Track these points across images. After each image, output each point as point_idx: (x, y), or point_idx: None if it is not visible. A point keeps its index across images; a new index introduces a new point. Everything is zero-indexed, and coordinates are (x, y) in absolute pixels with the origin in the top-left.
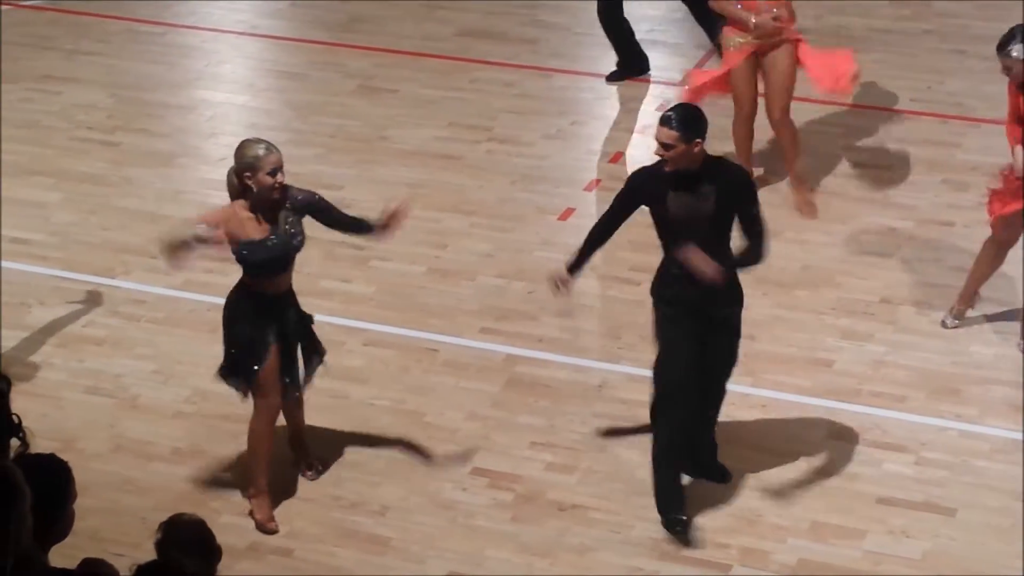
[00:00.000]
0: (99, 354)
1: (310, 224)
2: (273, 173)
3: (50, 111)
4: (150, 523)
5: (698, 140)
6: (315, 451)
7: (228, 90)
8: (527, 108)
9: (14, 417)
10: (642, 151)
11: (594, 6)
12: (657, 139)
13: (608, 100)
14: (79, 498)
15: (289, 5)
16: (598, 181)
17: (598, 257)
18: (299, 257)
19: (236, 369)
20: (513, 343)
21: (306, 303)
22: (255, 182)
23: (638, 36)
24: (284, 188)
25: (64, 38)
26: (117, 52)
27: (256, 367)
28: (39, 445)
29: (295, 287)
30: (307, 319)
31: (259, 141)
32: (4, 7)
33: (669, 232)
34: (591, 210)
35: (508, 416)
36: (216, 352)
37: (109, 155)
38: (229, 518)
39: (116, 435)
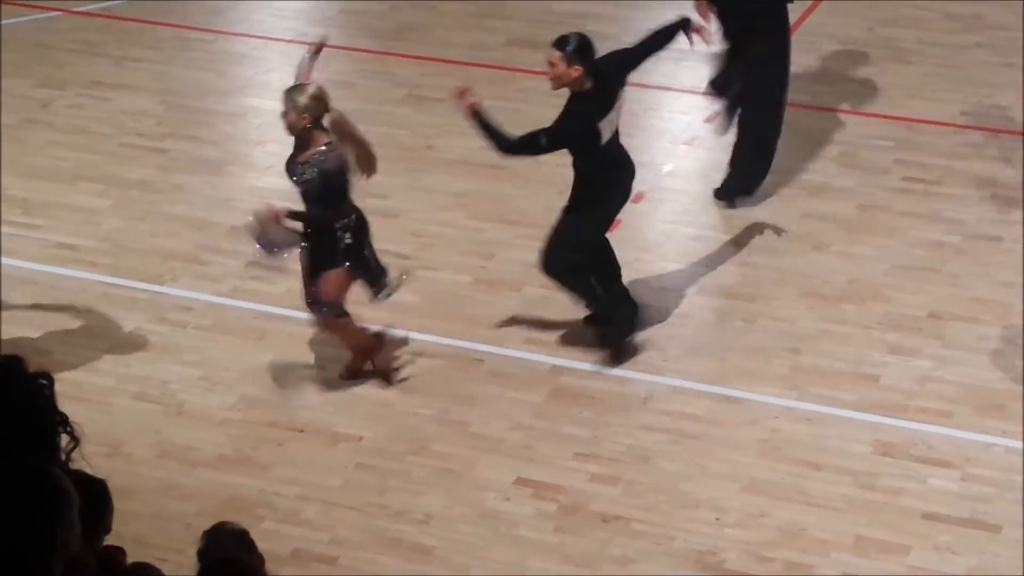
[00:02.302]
0: (146, 360)
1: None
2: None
3: (99, 117)
4: (194, 528)
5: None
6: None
7: (277, 98)
8: None
9: (58, 415)
10: (690, 162)
11: (639, 16)
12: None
13: (655, 111)
14: (125, 503)
15: (339, 13)
16: (644, 193)
17: (645, 270)
18: None
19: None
20: (557, 354)
21: (351, 312)
22: None
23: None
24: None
25: (114, 44)
26: (167, 59)
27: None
28: (86, 450)
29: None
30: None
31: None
32: (55, 13)
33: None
34: (637, 222)
35: (552, 427)
36: (261, 360)
37: (158, 162)
38: (272, 524)
39: (162, 441)
